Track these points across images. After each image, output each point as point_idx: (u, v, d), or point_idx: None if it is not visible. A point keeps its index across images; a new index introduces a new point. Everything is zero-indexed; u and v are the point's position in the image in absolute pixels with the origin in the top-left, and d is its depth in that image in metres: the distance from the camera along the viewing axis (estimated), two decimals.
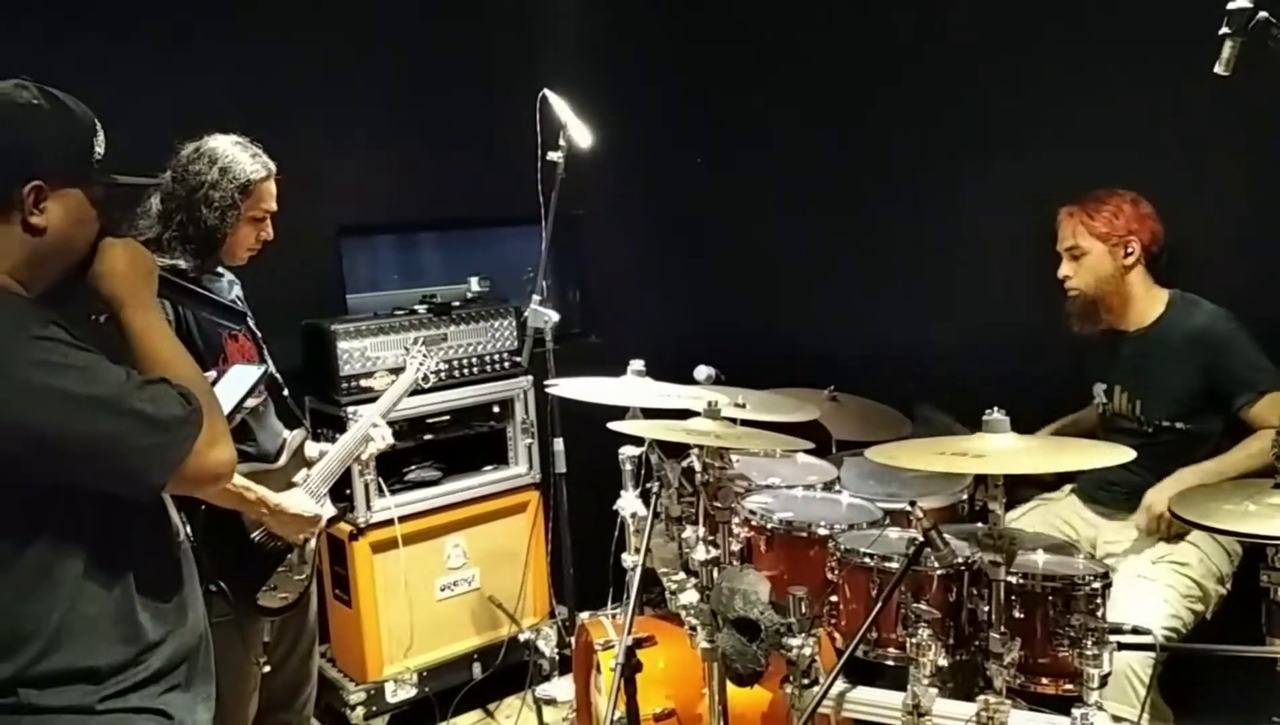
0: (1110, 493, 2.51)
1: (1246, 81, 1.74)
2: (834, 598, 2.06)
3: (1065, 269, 2.49)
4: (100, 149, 1.43)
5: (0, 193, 1.35)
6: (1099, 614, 1.87)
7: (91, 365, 1.32)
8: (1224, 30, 1.78)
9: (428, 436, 3.06)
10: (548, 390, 2.61)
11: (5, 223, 1.37)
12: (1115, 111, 2.70)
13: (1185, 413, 2.39)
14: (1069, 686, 1.85)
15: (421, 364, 2.71)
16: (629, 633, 2.14)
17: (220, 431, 1.39)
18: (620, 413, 2.33)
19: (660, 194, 3.68)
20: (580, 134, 2.88)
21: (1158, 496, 2.32)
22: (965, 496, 2.46)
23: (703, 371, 2.57)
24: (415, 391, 2.73)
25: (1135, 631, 1.91)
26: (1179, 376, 2.39)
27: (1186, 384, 2.38)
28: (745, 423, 2.28)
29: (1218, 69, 1.81)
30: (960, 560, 1.91)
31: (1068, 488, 2.67)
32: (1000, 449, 1.89)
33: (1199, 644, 2.22)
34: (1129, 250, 2.43)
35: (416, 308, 3.13)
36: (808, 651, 1.87)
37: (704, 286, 3.65)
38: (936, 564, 1.91)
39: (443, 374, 2.94)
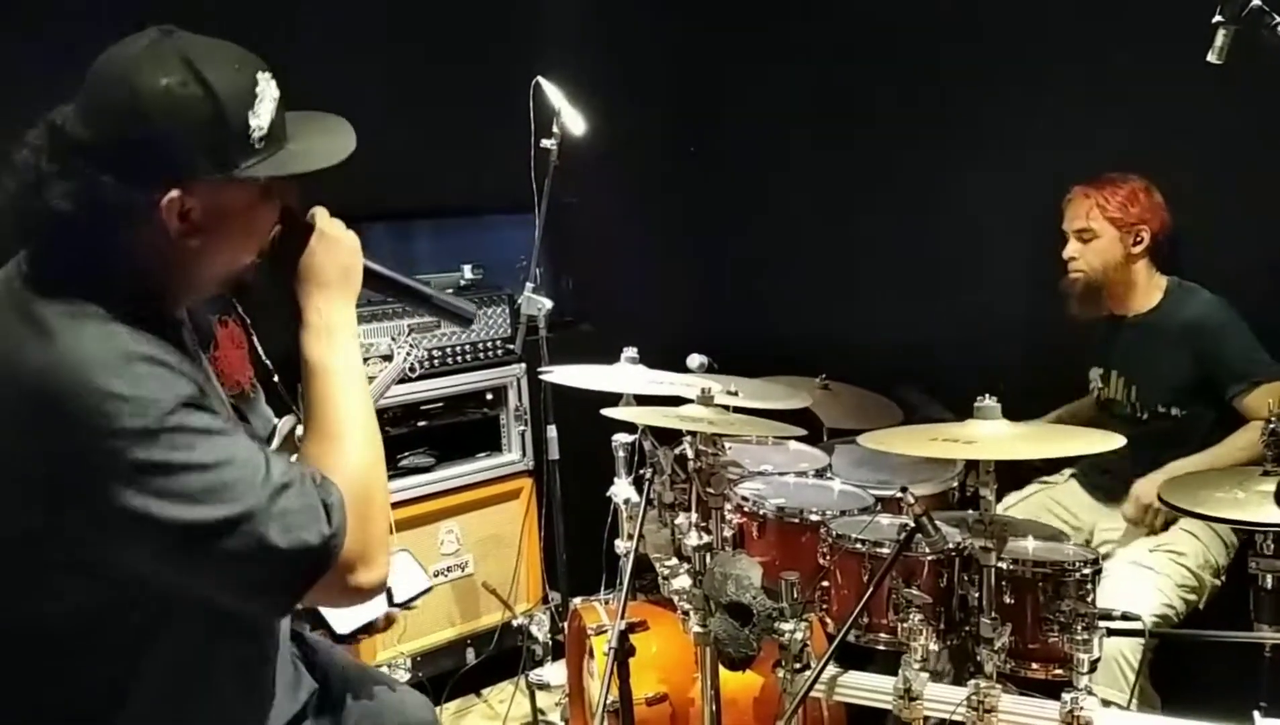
0: (1107, 479, 2.51)
1: (1246, 69, 1.73)
2: (826, 583, 2.06)
3: (1072, 250, 2.46)
4: (262, 121, 1.08)
5: (138, 208, 1.05)
6: (1089, 600, 1.87)
7: (219, 464, 1.02)
8: (1217, 18, 1.77)
9: (421, 423, 3.05)
10: (541, 377, 2.61)
11: (150, 242, 1.07)
12: (1112, 99, 2.69)
13: (1180, 400, 2.39)
14: (1059, 671, 1.85)
15: (410, 352, 2.70)
16: (622, 618, 2.14)
17: (373, 548, 1.10)
18: (613, 400, 2.32)
19: (654, 182, 3.66)
20: (574, 122, 2.86)
21: (1146, 487, 2.32)
22: (957, 483, 2.46)
23: (695, 359, 2.56)
24: (403, 380, 2.72)
25: (1125, 617, 1.91)
26: (1174, 364, 2.38)
27: (1181, 372, 2.38)
28: (738, 410, 2.28)
29: (1210, 57, 1.80)
30: (951, 546, 1.92)
31: (1067, 472, 2.68)
32: (991, 436, 1.89)
33: (1187, 630, 2.23)
34: (1139, 238, 2.43)
35: None
36: (799, 636, 1.87)
37: (697, 275, 3.64)
38: (928, 550, 1.92)
39: (435, 361, 2.92)
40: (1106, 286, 2.47)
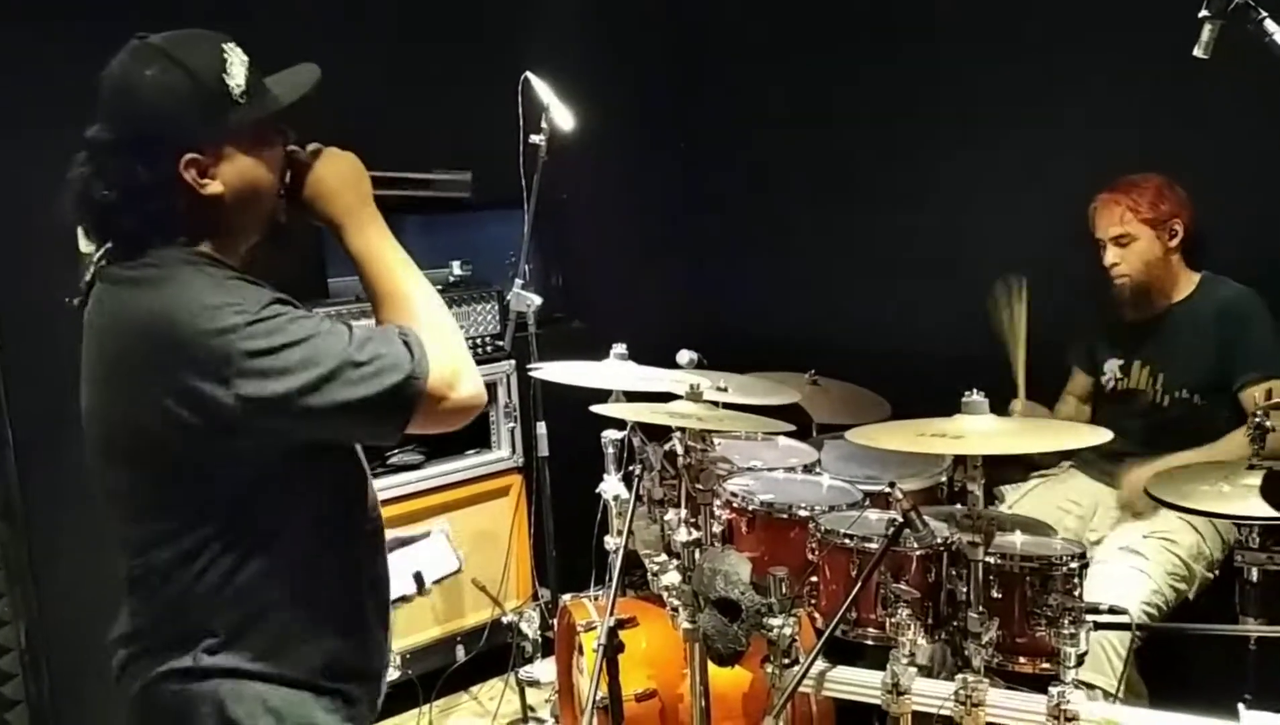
0: (1114, 464, 2.54)
1: (1248, 65, 1.76)
2: (814, 578, 2.09)
3: (1112, 257, 2.50)
4: (238, 80, 1.31)
5: (165, 179, 1.28)
6: (1076, 594, 1.90)
7: (310, 337, 1.25)
8: (1203, 13, 1.80)
9: None
10: (530, 374, 2.63)
11: (187, 202, 1.30)
12: (1108, 96, 2.72)
13: (1202, 387, 2.44)
14: (1046, 665, 1.89)
15: None
16: (611, 614, 2.17)
17: (459, 370, 1.30)
18: (603, 396, 2.34)
19: (644, 178, 3.68)
20: (563, 117, 2.88)
21: (1137, 475, 2.36)
22: (945, 478, 2.49)
23: (685, 355, 2.58)
24: None
25: (1112, 611, 1.95)
26: (1201, 351, 2.44)
27: (1206, 358, 2.43)
28: (727, 405, 2.31)
29: (1196, 52, 1.83)
30: (939, 541, 1.95)
31: (1067, 464, 2.71)
32: (978, 431, 1.92)
33: (1175, 623, 2.26)
34: (1173, 232, 2.48)
35: None
36: (788, 631, 1.90)
37: (688, 270, 3.66)
38: (915, 545, 1.95)
39: None
40: (1153, 284, 2.51)
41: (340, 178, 1.41)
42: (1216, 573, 2.38)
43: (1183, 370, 2.47)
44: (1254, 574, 1.99)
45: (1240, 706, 1.70)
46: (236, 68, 1.32)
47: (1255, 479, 2.00)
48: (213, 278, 1.29)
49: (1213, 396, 2.43)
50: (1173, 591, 2.29)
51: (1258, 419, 2.02)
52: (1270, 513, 1.87)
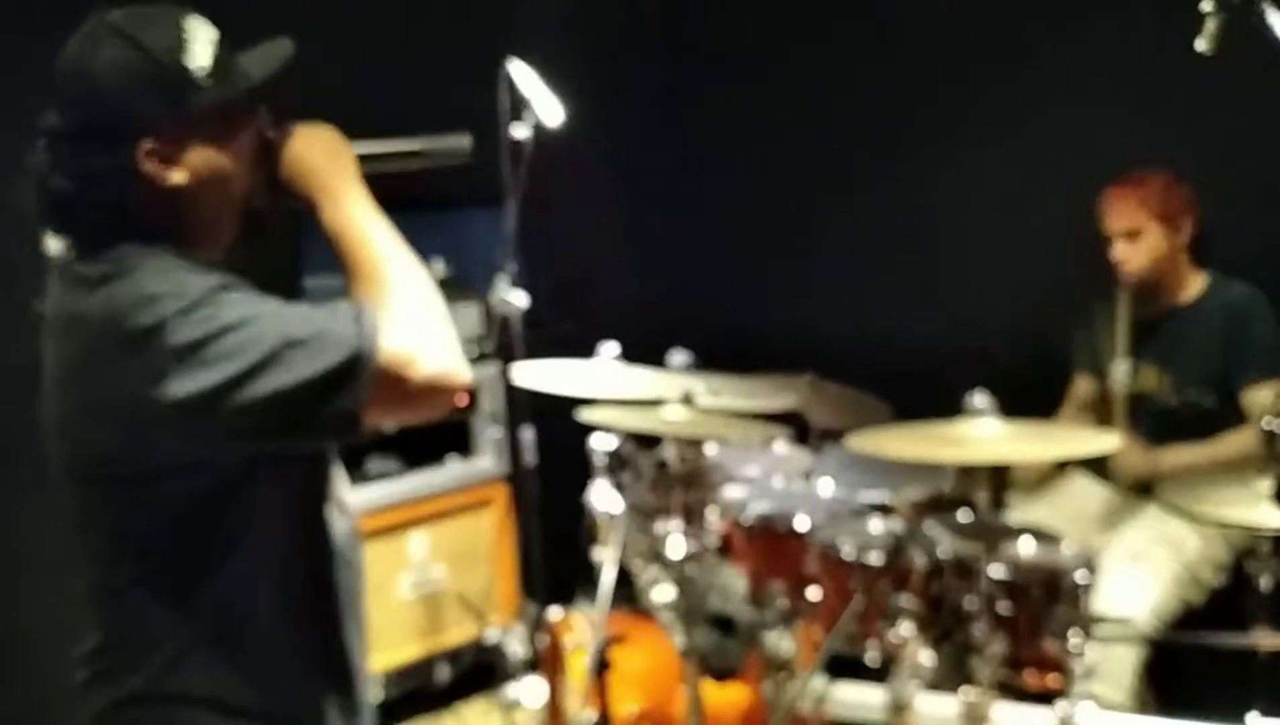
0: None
1: (1244, 57, 1.73)
2: (813, 592, 2.05)
3: (1120, 251, 2.49)
4: (201, 60, 1.22)
5: (123, 169, 1.20)
6: (1084, 605, 1.88)
7: (245, 321, 1.13)
8: (1206, 6, 1.78)
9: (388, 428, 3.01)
10: (515, 379, 2.58)
11: (148, 194, 1.21)
12: (1108, 93, 2.70)
13: (1210, 387, 2.43)
14: (1054, 678, 1.86)
15: None
16: (601, 631, 2.13)
17: (417, 346, 1.16)
18: (592, 401, 2.30)
19: (636, 173, 3.64)
20: (550, 109, 2.82)
21: (1138, 457, 2.35)
22: (949, 485, 2.46)
23: (677, 357, 2.54)
24: None
25: (1121, 622, 1.92)
26: (1209, 351, 2.44)
27: (1214, 358, 2.43)
28: (721, 410, 2.27)
29: (1200, 45, 1.81)
30: (943, 553, 1.91)
31: (1074, 470, 2.69)
32: (983, 437, 1.89)
33: (1185, 633, 2.24)
34: (1182, 228, 2.47)
35: None
36: (786, 647, 1.87)
37: (680, 269, 3.62)
38: (919, 557, 1.91)
39: None
40: (1161, 280, 2.51)
41: (318, 151, 1.31)
42: (1225, 575, 2.37)
43: (1192, 372, 2.47)
44: (1264, 583, 1.97)
45: (1248, 718, 1.68)
46: (200, 46, 1.23)
47: (1265, 486, 1.99)
48: (160, 268, 1.20)
49: (1221, 397, 2.43)
50: (1182, 600, 2.28)
51: (1269, 426, 2.01)
52: None
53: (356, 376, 1.14)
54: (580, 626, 2.37)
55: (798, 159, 3.35)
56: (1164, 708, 2.21)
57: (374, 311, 1.17)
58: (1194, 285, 2.52)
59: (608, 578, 2.25)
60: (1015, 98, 2.87)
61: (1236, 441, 2.34)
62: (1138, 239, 2.46)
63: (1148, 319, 2.55)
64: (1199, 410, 2.44)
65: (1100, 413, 2.66)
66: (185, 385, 1.13)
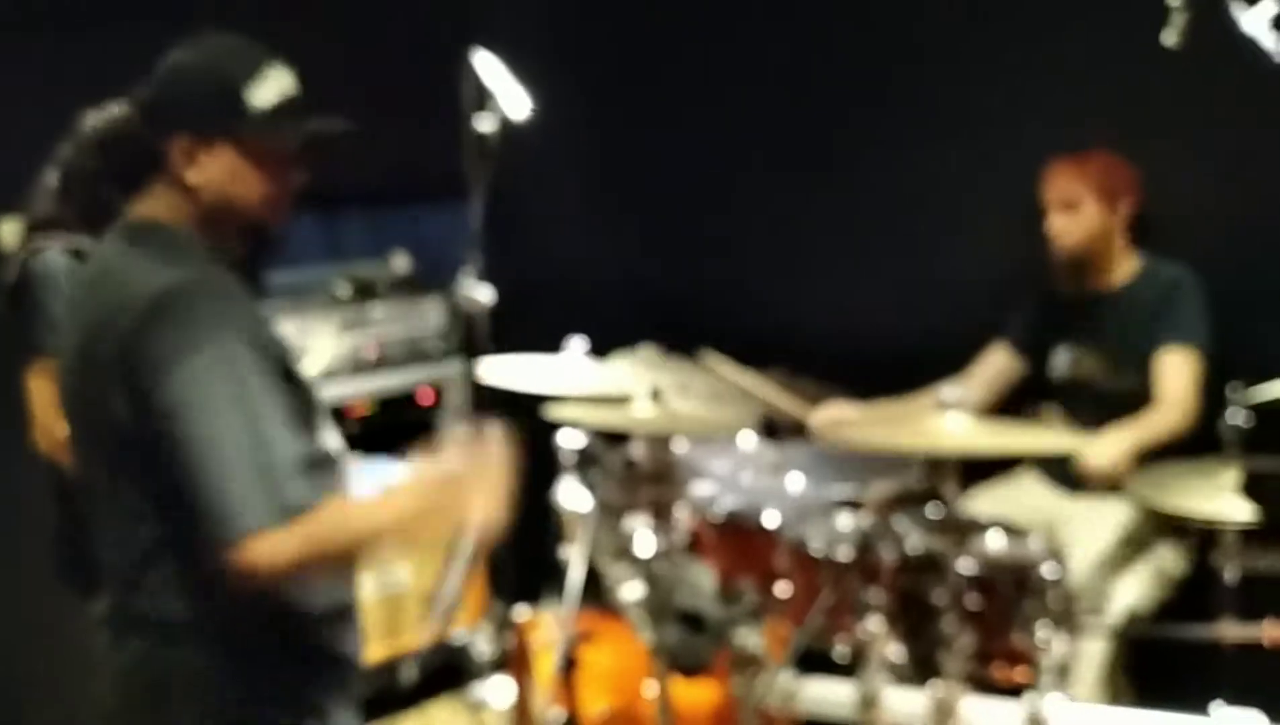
0: (1071, 469, 2.56)
1: (1203, 51, 1.78)
2: (782, 588, 2.08)
3: (1055, 221, 2.52)
4: (263, 99, 1.41)
5: (157, 148, 1.40)
6: (1054, 599, 1.92)
7: (238, 409, 1.30)
8: (1173, 1, 1.82)
9: (353, 426, 3.01)
10: (480, 375, 2.59)
11: (167, 184, 1.41)
12: (1080, 82, 2.74)
13: (1147, 367, 2.46)
14: (1023, 672, 1.90)
15: (327, 350, 2.67)
16: (568, 629, 2.15)
17: (289, 556, 1.29)
18: (560, 398, 2.32)
19: (603, 167, 3.65)
20: (516, 102, 2.82)
21: (1098, 451, 2.35)
22: (919, 479, 2.50)
23: (647, 351, 2.57)
24: (328, 376, 2.69)
25: (1091, 615, 1.97)
26: (1146, 333, 2.48)
27: (1152, 339, 2.47)
28: (688, 407, 2.30)
29: (1167, 39, 1.86)
30: (911, 547, 1.95)
31: (1027, 466, 2.73)
32: (954, 429, 1.93)
33: (1152, 625, 2.29)
34: (1121, 208, 2.51)
35: (339, 288, 3.07)
36: (755, 644, 1.90)
37: (649, 264, 3.63)
38: (887, 552, 1.95)
39: (367, 358, 2.89)
40: (1093, 258, 2.54)
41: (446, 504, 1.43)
42: (1189, 568, 2.42)
43: (1127, 354, 2.50)
44: (1230, 575, 2.03)
45: (1212, 707, 1.73)
46: (270, 87, 1.42)
47: (1229, 478, 2.05)
48: (209, 275, 1.38)
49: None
50: (1151, 596, 2.33)
51: (1234, 418, 2.07)
52: (1249, 514, 1.91)
53: (230, 533, 1.27)
54: (548, 625, 2.39)
55: (770, 150, 3.37)
56: (1132, 699, 2.27)
57: (291, 516, 1.28)
58: (1129, 267, 2.56)
59: (575, 576, 2.27)
60: (991, 88, 2.90)
61: (1161, 422, 2.38)
62: (1074, 212, 2.49)
63: (1082, 299, 2.58)
64: (1136, 393, 2.46)
65: (1020, 393, 2.67)
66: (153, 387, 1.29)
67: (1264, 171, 2.55)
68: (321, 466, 1.44)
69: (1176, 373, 2.41)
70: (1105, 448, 2.34)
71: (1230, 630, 1.97)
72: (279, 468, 1.29)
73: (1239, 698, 1.90)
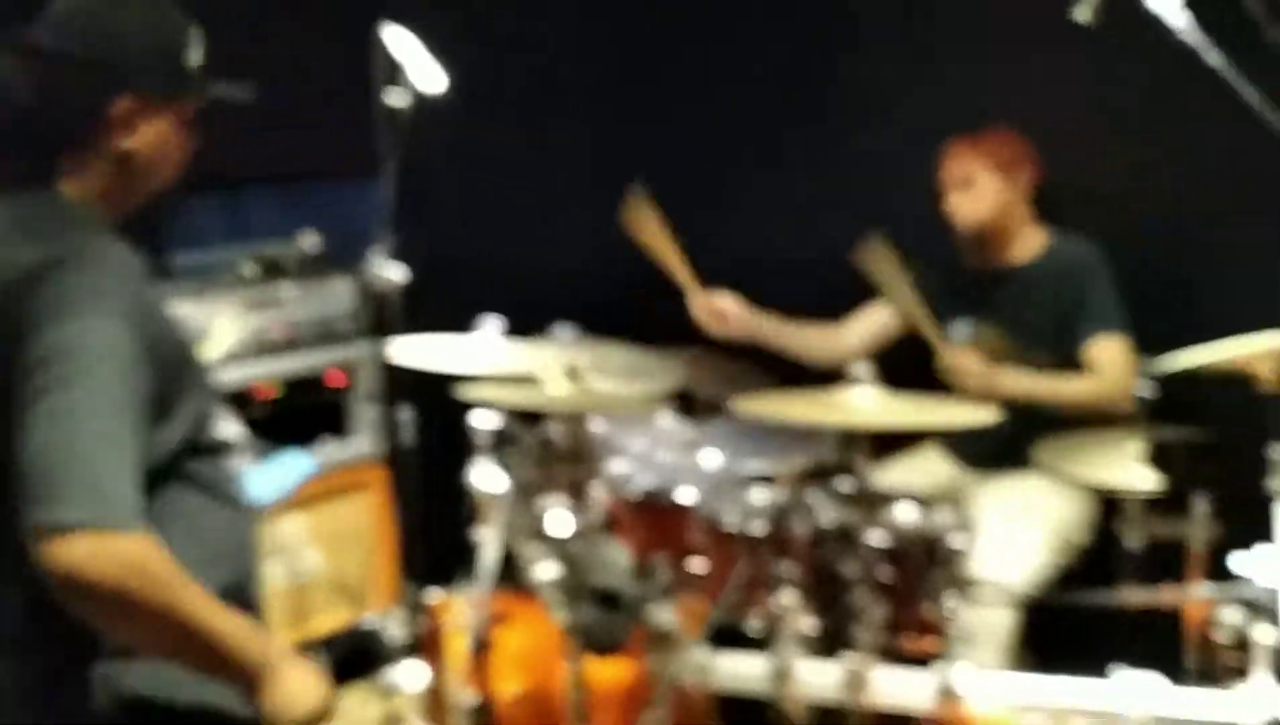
0: (976, 446, 2.62)
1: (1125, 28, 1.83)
2: (698, 564, 2.10)
3: (953, 199, 2.56)
4: (195, 60, 1.38)
5: (91, 110, 1.31)
6: (961, 569, 1.97)
7: (90, 395, 1.18)
8: None
9: (260, 409, 2.95)
10: (392, 356, 2.55)
11: (95, 145, 1.32)
12: (990, 64, 2.80)
13: (1051, 346, 2.52)
14: (933, 642, 1.95)
15: (230, 332, 2.60)
16: (482, 612, 2.13)
17: (87, 560, 1.14)
18: (473, 377, 2.29)
19: (518, 141, 3.61)
20: (430, 76, 2.77)
21: (973, 362, 2.42)
22: (832, 455, 2.53)
23: (561, 329, 2.55)
24: (233, 359, 2.62)
25: (996, 586, 2.02)
26: (1050, 309, 2.53)
27: (1055, 316, 2.52)
28: (603, 385, 2.29)
29: (1078, 15, 1.90)
30: (823, 521, 1.98)
31: (930, 442, 2.79)
32: (865, 404, 1.96)
33: (1055, 593, 2.36)
34: (1019, 181, 2.55)
35: (246, 268, 3.00)
36: (669, 621, 1.91)
37: (567, 241, 3.61)
38: (801, 526, 1.97)
39: (273, 340, 2.82)
40: (992, 234, 2.58)
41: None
42: (1091, 536, 2.49)
43: (1033, 331, 2.55)
44: (1132, 542, 2.11)
45: (1111, 669, 1.79)
46: (196, 49, 1.39)
47: (1134, 448, 2.12)
48: (103, 248, 1.30)
49: (1062, 357, 2.51)
50: (1053, 564, 2.39)
51: (1136, 386, 2.14)
52: (1153, 483, 1.98)
53: (57, 519, 1.14)
54: (460, 608, 2.37)
55: (685, 122, 3.37)
56: (1037, 666, 2.33)
57: (104, 526, 1.15)
58: (1033, 242, 2.60)
59: (489, 558, 2.25)
60: (907, 68, 2.95)
61: (1078, 387, 2.45)
62: (971, 188, 2.53)
63: (985, 274, 2.63)
64: (1041, 371, 2.51)
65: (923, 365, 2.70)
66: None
67: (1167, 145, 2.63)
68: (214, 454, 1.39)
69: (1112, 360, 2.46)
70: (980, 363, 2.39)
71: (1133, 596, 2.04)
72: (112, 468, 1.17)
73: (1140, 662, 1.96)
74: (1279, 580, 1.78)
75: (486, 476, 2.40)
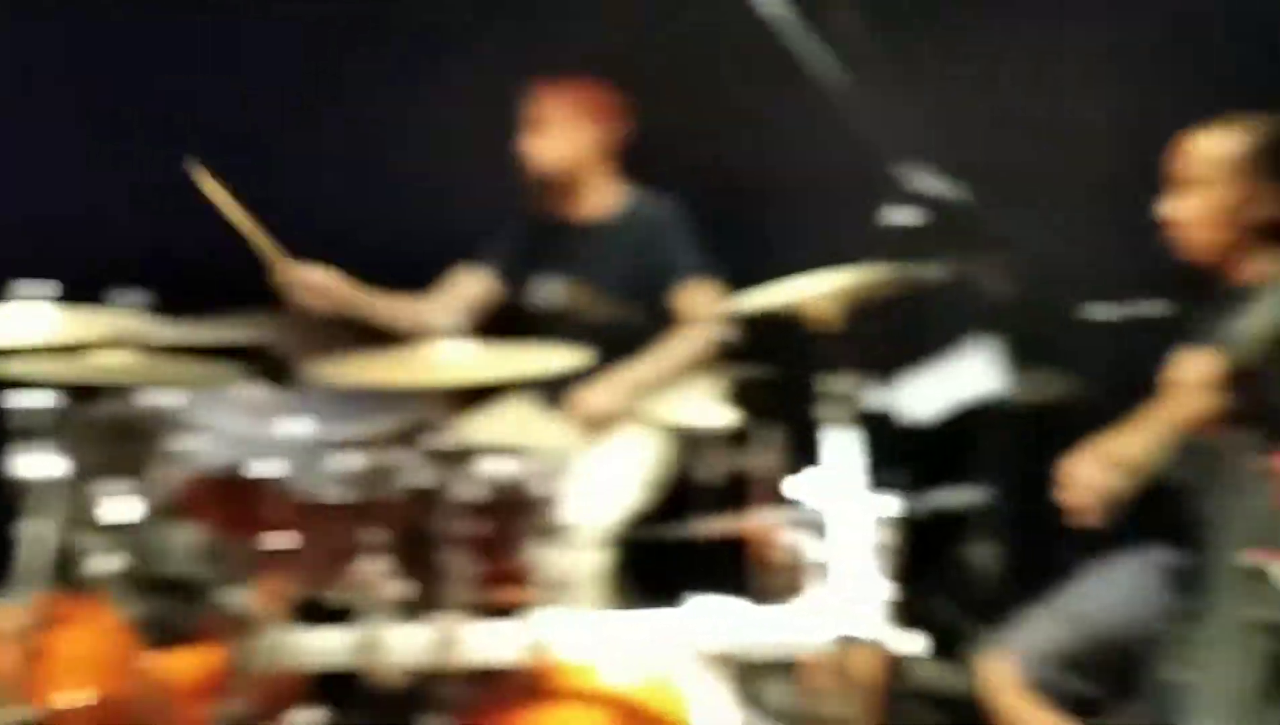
0: (560, 392, 2.69)
1: None
2: (282, 540, 2.00)
3: (531, 143, 2.56)
4: None
5: None
6: (550, 516, 2.02)
7: None
8: None
9: None
10: None
11: None
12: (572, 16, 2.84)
13: (638, 300, 2.60)
14: (527, 592, 1.98)
15: None
16: (33, 616, 1.91)
17: None
18: (14, 351, 2.02)
19: (72, 97, 3.22)
20: None
21: (594, 398, 2.50)
22: (419, 413, 2.49)
23: (124, 295, 2.31)
24: None
25: (586, 529, 2.09)
26: (632, 266, 2.60)
27: (638, 273, 2.60)
28: (177, 351, 2.12)
29: None
30: (408, 482, 1.94)
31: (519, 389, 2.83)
32: (448, 360, 1.94)
33: (642, 528, 2.47)
34: (599, 132, 2.59)
35: None
36: (242, 603, 1.81)
37: (129, 202, 3.28)
38: (386, 489, 1.93)
39: None
40: (568, 183, 2.61)
41: None
42: (676, 470, 2.63)
43: (615, 286, 2.64)
44: (710, 474, 2.26)
45: (685, 596, 1.92)
46: None
47: (709, 386, 2.27)
48: None
49: (648, 310, 2.61)
50: (645, 499, 2.52)
51: (712, 329, 2.28)
52: (730, 418, 2.12)
53: None
54: (7, 615, 2.11)
55: (253, 73, 3.15)
56: (627, 602, 2.46)
57: None
58: (612, 197, 2.67)
59: (39, 554, 2.02)
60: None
61: (681, 347, 2.57)
62: (548, 134, 2.56)
63: (563, 229, 2.69)
64: (626, 325, 2.61)
65: (519, 328, 2.73)
66: None
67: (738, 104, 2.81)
68: None
69: (693, 304, 2.58)
70: (600, 394, 2.46)
71: (703, 528, 2.19)
72: None
73: (722, 588, 2.11)
74: (826, 501, 1.98)
75: (34, 463, 2.15)
